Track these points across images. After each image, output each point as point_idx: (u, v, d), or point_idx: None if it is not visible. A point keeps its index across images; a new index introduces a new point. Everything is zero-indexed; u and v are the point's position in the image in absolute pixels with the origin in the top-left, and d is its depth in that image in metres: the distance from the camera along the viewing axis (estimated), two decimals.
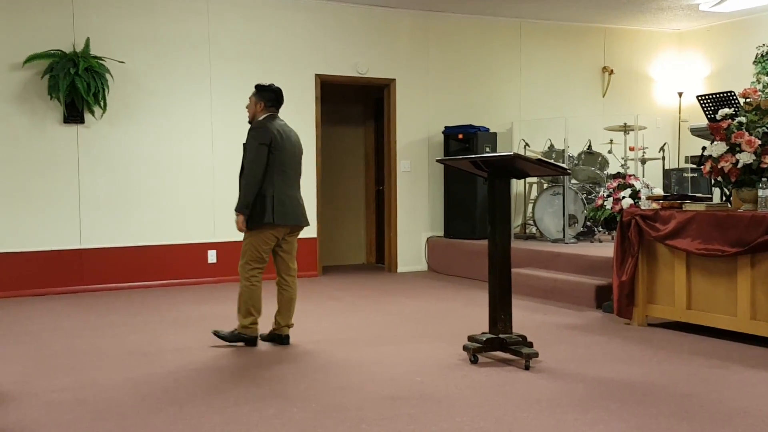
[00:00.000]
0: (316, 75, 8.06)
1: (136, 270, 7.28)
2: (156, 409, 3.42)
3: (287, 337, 4.76)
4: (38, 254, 6.93)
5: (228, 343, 4.69)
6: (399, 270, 8.58)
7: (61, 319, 5.75)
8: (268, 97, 4.75)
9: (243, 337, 4.68)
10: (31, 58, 6.78)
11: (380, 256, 9.21)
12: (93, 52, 6.96)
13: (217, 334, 4.72)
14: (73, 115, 6.98)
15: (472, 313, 5.81)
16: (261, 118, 4.69)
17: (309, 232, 8.05)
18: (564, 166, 4.39)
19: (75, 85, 6.75)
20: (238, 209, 4.57)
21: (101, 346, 4.76)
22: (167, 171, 7.41)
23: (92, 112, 7.03)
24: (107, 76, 6.98)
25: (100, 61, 6.96)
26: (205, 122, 7.58)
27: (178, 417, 3.31)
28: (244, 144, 4.70)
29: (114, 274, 7.20)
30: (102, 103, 6.99)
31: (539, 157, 4.93)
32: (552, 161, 4.23)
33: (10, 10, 6.82)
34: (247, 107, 4.83)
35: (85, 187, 7.12)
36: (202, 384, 3.83)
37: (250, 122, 4.77)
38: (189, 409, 3.43)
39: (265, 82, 4.89)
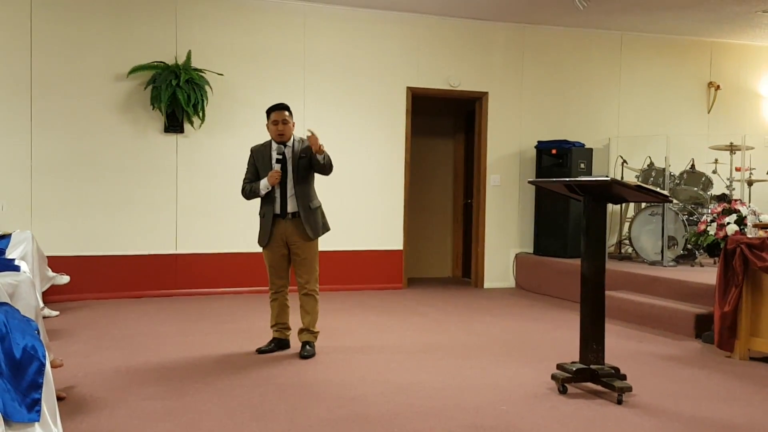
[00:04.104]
0: (408, 88, 8.05)
1: (228, 276, 7.45)
2: (241, 425, 3.45)
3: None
4: (136, 258, 7.20)
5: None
6: (485, 285, 8.44)
7: (155, 323, 5.94)
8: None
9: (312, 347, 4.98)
10: (135, 70, 7.06)
11: (466, 270, 9.09)
12: (194, 64, 7.19)
13: (305, 356, 4.83)
14: (174, 125, 7.22)
15: (562, 336, 5.63)
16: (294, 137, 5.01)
17: (395, 243, 8.06)
18: (665, 193, 4.18)
19: (176, 96, 6.98)
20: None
21: (191, 353, 4.88)
22: None
23: (191, 123, 7.26)
24: (206, 87, 7.19)
25: (201, 74, 7.18)
26: (299, 134, 7.65)
27: None
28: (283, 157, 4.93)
29: (206, 280, 7.40)
30: (201, 114, 7.20)
31: (638, 182, 4.72)
32: (652, 187, 4.03)
33: (116, 23, 7.12)
34: (287, 127, 4.93)
35: (182, 195, 7.35)
36: (284, 401, 3.85)
37: (283, 143, 4.94)
38: (273, 426, 3.44)
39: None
